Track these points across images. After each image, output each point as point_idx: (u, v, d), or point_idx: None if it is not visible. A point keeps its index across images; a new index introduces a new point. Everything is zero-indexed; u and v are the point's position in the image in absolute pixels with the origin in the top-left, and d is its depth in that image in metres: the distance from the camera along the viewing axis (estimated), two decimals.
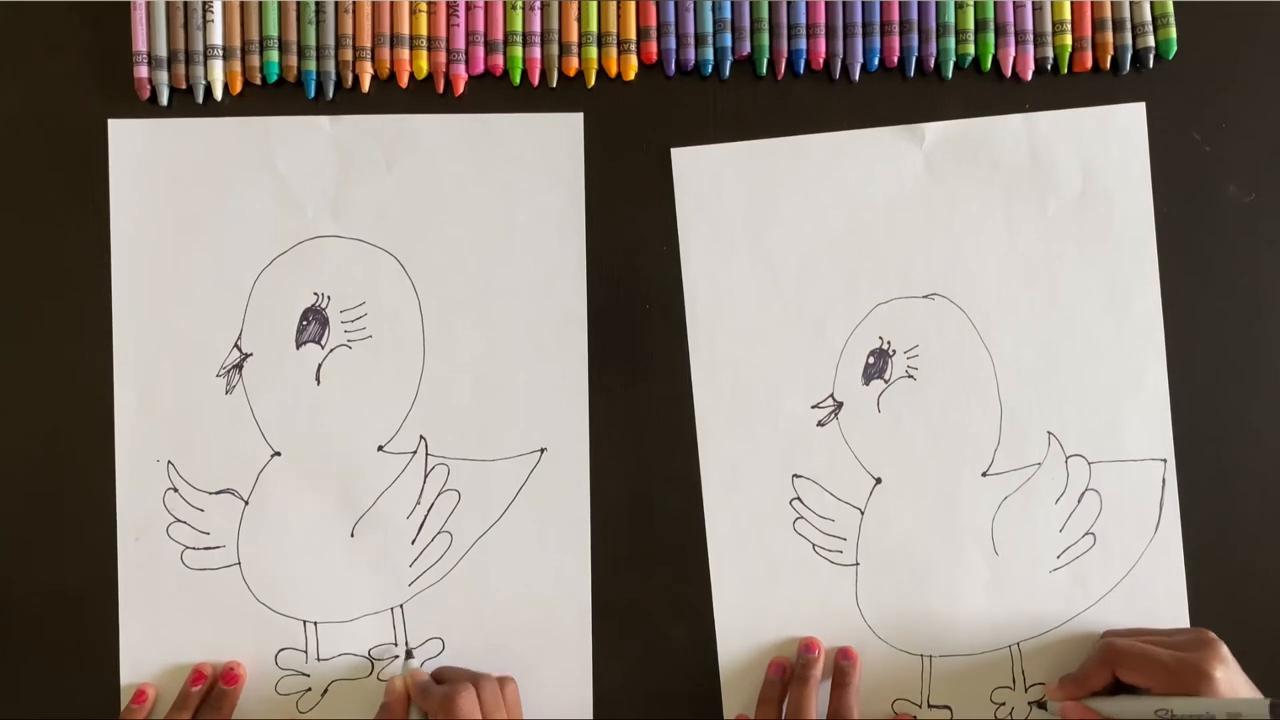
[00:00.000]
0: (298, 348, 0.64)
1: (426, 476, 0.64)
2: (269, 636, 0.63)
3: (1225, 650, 0.57)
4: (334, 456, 0.64)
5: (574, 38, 0.65)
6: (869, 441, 0.65)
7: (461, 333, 0.64)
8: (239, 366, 0.64)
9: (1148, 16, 0.65)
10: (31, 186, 0.64)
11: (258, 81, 0.64)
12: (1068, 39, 0.65)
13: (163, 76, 0.64)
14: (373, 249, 0.64)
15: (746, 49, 0.65)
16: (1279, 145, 0.66)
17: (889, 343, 0.65)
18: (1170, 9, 0.65)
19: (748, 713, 0.64)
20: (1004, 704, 0.65)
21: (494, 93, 0.65)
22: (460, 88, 0.65)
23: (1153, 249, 0.65)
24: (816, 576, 0.64)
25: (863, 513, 0.65)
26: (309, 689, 0.63)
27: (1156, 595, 0.65)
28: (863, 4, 0.65)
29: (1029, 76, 0.65)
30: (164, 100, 0.64)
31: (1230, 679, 0.56)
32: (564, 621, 0.64)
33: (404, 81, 0.65)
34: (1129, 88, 0.66)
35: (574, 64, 0.65)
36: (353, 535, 0.64)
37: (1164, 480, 0.65)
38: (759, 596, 0.64)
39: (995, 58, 0.65)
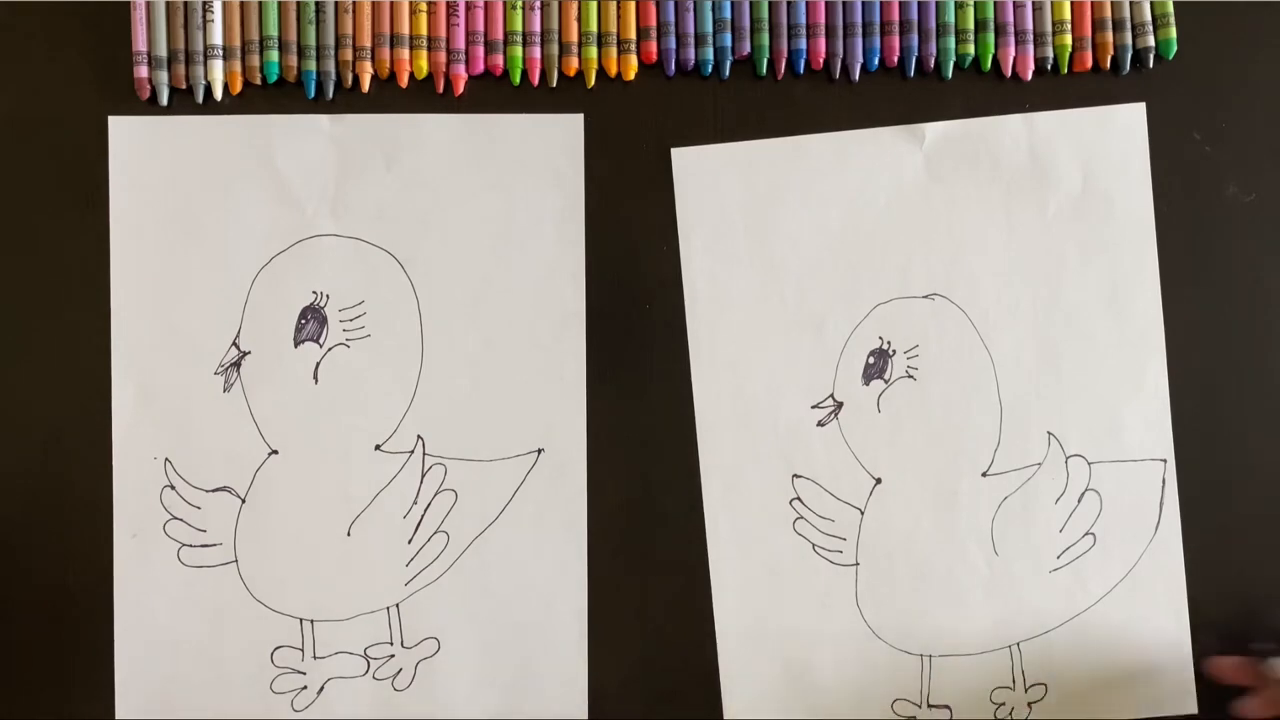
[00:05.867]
0: (296, 346, 0.64)
1: (424, 476, 0.64)
2: (265, 634, 0.63)
3: None
4: (331, 455, 0.64)
5: (574, 38, 0.65)
6: (869, 441, 0.65)
7: (460, 332, 0.64)
8: (237, 364, 0.63)
9: (1148, 16, 0.65)
10: (31, 186, 0.64)
11: (258, 81, 0.64)
12: (1068, 39, 0.65)
13: (163, 76, 0.64)
14: (372, 248, 0.64)
15: (746, 49, 0.65)
16: (1279, 145, 0.66)
17: (889, 343, 0.65)
18: (1170, 9, 0.65)
19: (747, 713, 0.64)
20: (1004, 704, 0.64)
21: (494, 93, 0.65)
22: (460, 87, 0.65)
23: (1153, 249, 0.65)
24: (816, 576, 0.64)
25: (863, 513, 0.64)
26: (304, 687, 0.63)
27: (1156, 595, 0.64)
28: (863, 4, 0.65)
29: (1029, 76, 0.65)
30: (164, 100, 0.64)
31: None
32: (561, 621, 0.64)
33: (404, 81, 0.65)
34: (1129, 88, 0.66)
35: (574, 64, 0.65)
36: (349, 534, 0.64)
37: (1164, 480, 0.65)
38: (759, 596, 0.64)
39: (995, 58, 0.65)
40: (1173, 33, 0.65)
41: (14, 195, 0.64)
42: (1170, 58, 0.65)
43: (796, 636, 0.64)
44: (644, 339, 0.65)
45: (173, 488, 0.63)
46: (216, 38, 0.64)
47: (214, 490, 0.63)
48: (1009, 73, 0.65)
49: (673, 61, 0.65)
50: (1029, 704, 0.65)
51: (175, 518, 0.63)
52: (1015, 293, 0.65)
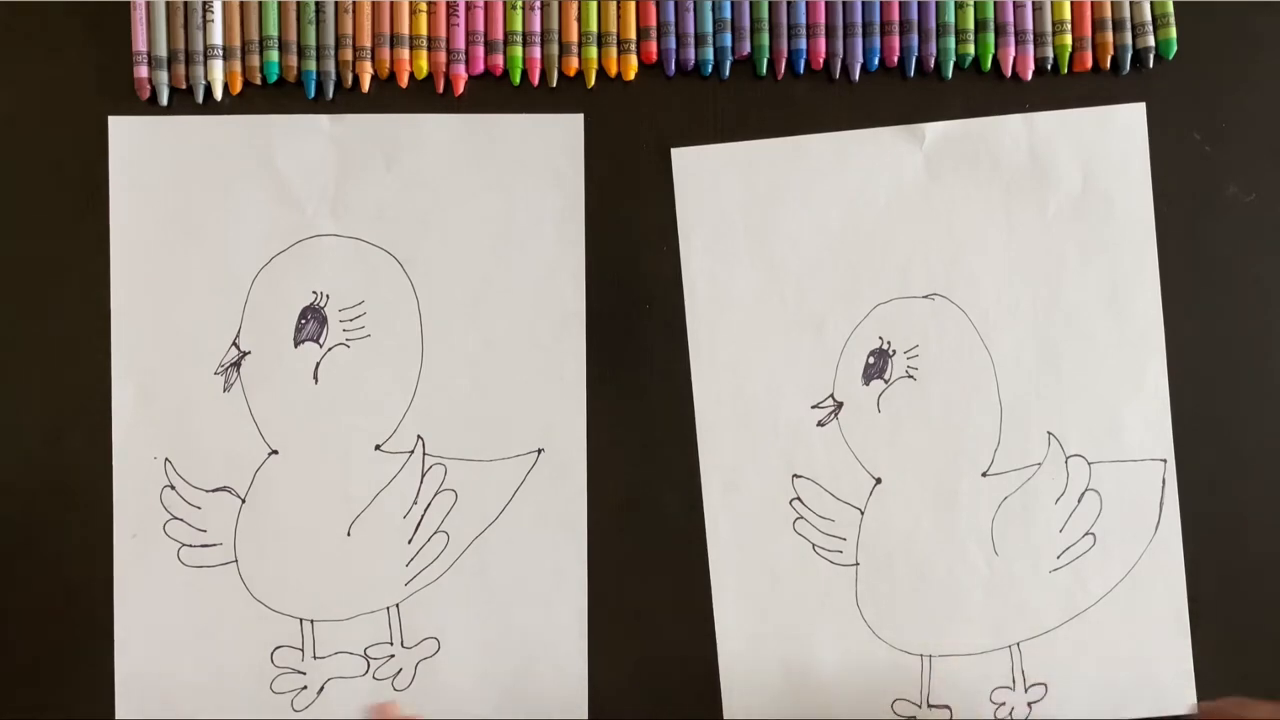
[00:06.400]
0: (296, 346, 0.64)
1: (424, 476, 0.64)
2: (265, 634, 0.63)
3: None
4: (331, 455, 0.64)
5: (574, 38, 0.65)
6: (869, 441, 0.65)
7: (460, 332, 0.64)
8: (237, 364, 0.63)
9: (1148, 16, 0.65)
10: (31, 186, 0.64)
11: (258, 81, 0.64)
12: (1068, 39, 0.65)
13: (163, 76, 0.64)
14: (372, 248, 0.64)
15: (746, 49, 0.65)
16: (1279, 145, 0.66)
17: (889, 343, 0.65)
18: (1170, 9, 0.65)
19: (747, 713, 0.63)
20: (1004, 704, 0.64)
21: (494, 93, 0.65)
22: (460, 88, 0.65)
23: (1153, 249, 0.65)
24: (816, 576, 0.64)
25: (863, 513, 0.64)
26: (304, 687, 0.63)
27: (1156, 595, 0.64)
28: (863, 4, 0.65)
29: (1029, 76, 0.65)
30: (164, 100, 0.64)
31: None
32: (561, 621, 0.64)
33: (404, 81, 0.65)
34: (1129, 88, 0.66)
35: (574, 64, 0.65)
36: (349, 534, 0.64)
37: (1164, 480, 0.65)
38: (759, 596, 0.64)
39: (995, 58, 0.65)
40: (1173, 33, 0.65)
41: (14, 195, 0.64)
42: (1170, 58, 0.65)
43: (796, 636, 0.64)
44: (644, 339, 0.65)
45: (173, 488, 0.63)
46: (216, 38, 0.64)
47: (214, 490, 0.63)
48: (1009, 73, 0.65)
49: (673, 61, 0.65)
50: (1029, 704, 0.65)
51: (175, 518, 0.63)
52: (1015, 293, 0.65)
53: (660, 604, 0.64)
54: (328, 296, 0.64)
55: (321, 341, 0.64)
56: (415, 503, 0.64)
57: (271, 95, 0.65)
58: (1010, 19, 0.65)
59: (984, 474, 0.65)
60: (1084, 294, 0.65)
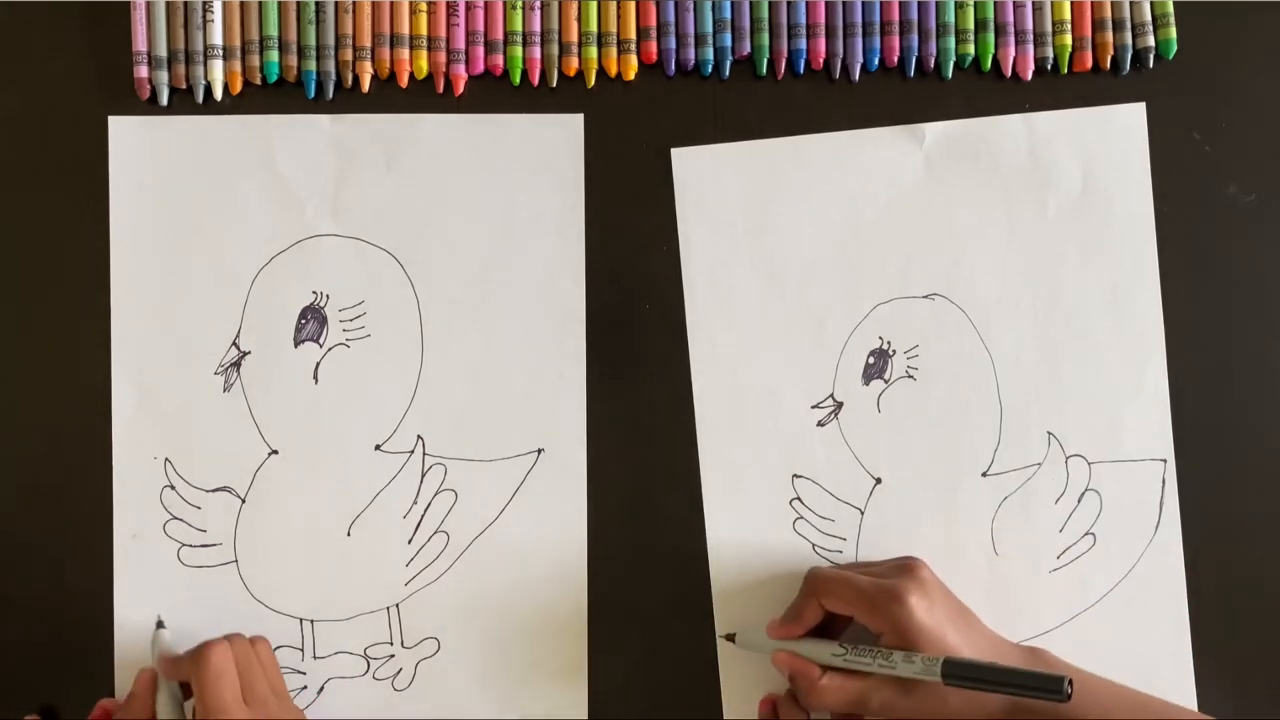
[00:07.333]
0: (296, 346, 0.64)
1: (424, 476, 0.64)
2: (265, 634, 0.62)
3: (927, 574, 0.57)
4: (331, 455, 0.64)
5: (574, 38, 0.65)
6: (869, 441, 0.65)
7: (460, 332, 0.64)
8: (237, 364, 0.63)
9: (1148, 16, 0.65)
10: (31, 186, 0.64)
11: (258, 81, 0.64)
12: (1068, 39, 0.65)
13: (163, 76, 0.64)
14: (372, 248, 0.64)
15: (746, 49, 0.65)
16: (1279, 145, 0.66)
17: (889, 343, 0.65)
18: (1170, 9, 0.65)
19: (747, 714, 0.63)
20: None
21: (494, 93, 0.65)
22: (460, 88, 0.65)
23: (1153, 249, 0.65)
24: None
25: (863, 513, 0.64)
26: (305, 687, 0.63)
27: (1156, 595, 0.64)
28: (863, 4, 0.65)
29: (1029, 76, 0.65)
30: (164, 100, 0.64)
31: (928, 604, 0.55)
32: (561, 622, 0.64)
33: (404, 81, 0.65)
34: (1129, 88, 0.66)
35: (574, 64, 0.65)
36: (349, 534, 0.64)
37: (1164, 480, 0.65)
38: (759, 596, 0.64)
39: (995, 58, 0.65)
40: (1173, 33, 0.65)
41: (14, 195, 0.64)
42: (1170, 58, 0.65)
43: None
44: (644, 339, 0.65)
45: (173, 488, 0.63)
46: (216, 38, 0.64)
47: (214, 490, 0.63)
48: (1009, 73, 0.65)
49: (673, 61, 0.65)
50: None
51: (175, 518, 0.63)
52: (1015, 293, 0.65)
53: (660, 604, 0.64)
54: (328, 296, 0.64)
55: (321, 341, 0.64)
56: (415, 503, 0.64)
57: (271, 95, 0.65)
58: (1010, 19, 0.65)
59: (984, 474, 0.65)
60: (1084, 294, 0.65)
